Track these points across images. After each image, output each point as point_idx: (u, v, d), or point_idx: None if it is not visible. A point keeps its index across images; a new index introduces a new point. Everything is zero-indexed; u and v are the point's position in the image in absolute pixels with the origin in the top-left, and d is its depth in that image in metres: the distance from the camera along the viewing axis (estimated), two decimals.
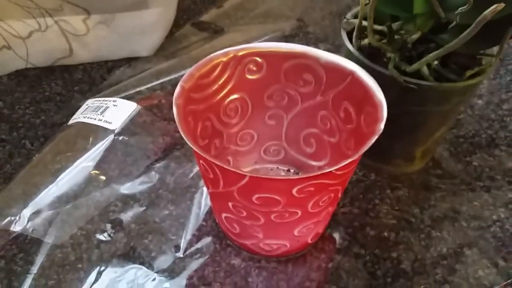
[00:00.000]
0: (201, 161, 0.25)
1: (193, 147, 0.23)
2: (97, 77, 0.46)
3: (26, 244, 0.31)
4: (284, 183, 0.23)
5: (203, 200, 0.34)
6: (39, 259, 0.30)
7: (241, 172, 0.23)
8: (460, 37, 0.24)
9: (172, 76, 0.44)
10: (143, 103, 0.40)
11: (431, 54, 0.26)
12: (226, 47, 0.30)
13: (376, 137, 0.23)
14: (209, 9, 0.56)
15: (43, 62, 0.46)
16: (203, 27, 0.53)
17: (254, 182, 0.23)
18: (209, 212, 0.33)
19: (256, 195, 0.24)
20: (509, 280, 0.29)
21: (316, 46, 0.48)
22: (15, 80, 0.45)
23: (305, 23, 0.53)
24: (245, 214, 0.26)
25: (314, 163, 0.34)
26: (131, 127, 0.38)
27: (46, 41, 0.45)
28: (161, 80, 0.44)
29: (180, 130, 0.24)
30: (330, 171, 0.23)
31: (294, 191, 0.23)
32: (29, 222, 0.31)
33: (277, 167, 0.35)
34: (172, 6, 0.51)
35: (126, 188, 0.34)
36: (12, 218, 0.31)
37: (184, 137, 0.24)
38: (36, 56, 0.46)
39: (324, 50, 0.29)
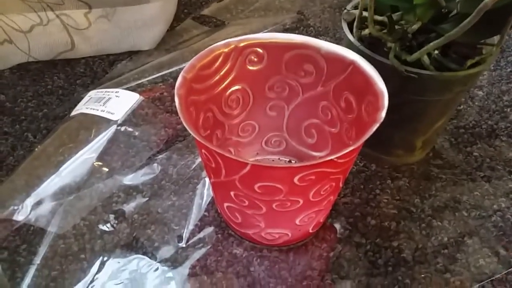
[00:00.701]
0: (203, 151, 0.26)
1: (195, 136, 0.23)
2: (99, 71, 0.46)
3: (29, 235, 0.31)
4: (286, 171, 0.23)
5: (205, 191, 0.34)
6: (42, 250, 0.30)
7: (242, 161, 0.23)
8: (460, 26, 0.24)
9: (173, 69, 0.44)
10: (144, 95, 0.41)
11: (431, 43, 0.26)
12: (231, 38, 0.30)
13: (377, 125, 0.24)
14: (210, 3, 0.56)
15: (45, 55, 0.46)
16: (204, 20, 0.53)
17: (255, 171, 0.23)
18: (211, 203, 0.33)
19: (258, 184, 0.24)
20: (510, 269, 0.29)
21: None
22: (17, 74, 0.45)
23: (305, 16, 0.53)
24: (247, 203, 0.26)
25: (315, 153, 0.34)
26: (133, 119, 0.38)
27: (47, 35, 0.45)
28: (163, 73, 0.44)
29: (182, 119, 0.24)
30: (331, 159, 0.23)
31: (295, 179, 0.23)
32: (32, 212, 0.31)
33: (279, 158, 0.36)
34: (173, 0, 0.51)
35: (129, 179, 0.34)
36: (15, 207, 0.31)
37: (186, 126, 0.24)
38: (37, 50, 0.46)
39: None
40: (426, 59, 0.28)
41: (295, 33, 0.50)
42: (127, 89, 0.41)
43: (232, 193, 0.26)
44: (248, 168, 0.23)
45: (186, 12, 0.54)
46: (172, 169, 0.35)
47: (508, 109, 0.41)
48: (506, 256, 0.30)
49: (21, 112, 0.41)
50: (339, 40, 0.49)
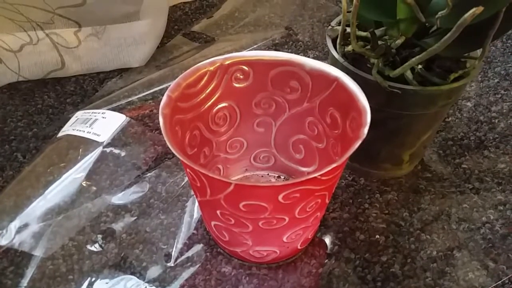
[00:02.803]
0: (188, 170, 0.26)
1: (179, 156, 0.23)
2: (89, 89, 0.46)
3: (16, 257, 0.31)
4: (269, 190, 0.23)
5: (195, 209, 0.34)
6: (30, 272, 0.30)
7: (226, 180, 0.23)
8: (441, 41, 0.25)
9: (164, 86, 0.44)
10: (134, 113, 0.41)
11: (414, 58, 0.27)
12: (217, 56, 0.30)
13: (359, 142, 0.24)
14: (200, 20, 0.56)
15: (35, 75, 0.47)
16: (194, 37, 0.53)
17: (239, 190, 0.23)
18: (201, 221, 0.33)
19: (243, 203, 0.24)
20: (499, 282, 0.29)
21: (305, 54, 0.49)
22: (7, 94, 0.45)
23: (294, 31, 0.53)
24: (233, 221, 0.26)
25: (303, 169, 0.34)
26: (123, 137, 0.38)
27: (37, 54, 0.45)
28: (153, 90, 0.44)
29: (166, 139, 0.24)
30: (315, 176, 0.23)
31: (280, 197, 0.23)
32: (17, 236, 0.31)
33: (268, 174, 0.36)
34: (163, 17, 0.51)
35: (118, 198, 0.34)
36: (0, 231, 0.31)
37: (170, 146, 0.24)
38: (27, 69, 0.46)
39: (313, 57, 0.30)
40: (409, 74, 0.29)
41: (284, 48, 0.50)
42: (117, 107, 0.41)
43: (218, 212, 0.26)
44: (232, 187, 0.23)
45: (176, 28, 0.55)
46: (161, 187, 0.35)
47: (496, 120, 0.41)
48: (495, 269, 0.30)
49: (10, 132, 0.41)
50: (328, 54, 0.49)
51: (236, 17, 0.56)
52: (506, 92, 0.44)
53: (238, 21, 0.55)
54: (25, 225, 0.32)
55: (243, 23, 0.55)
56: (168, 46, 0.52)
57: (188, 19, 0.57)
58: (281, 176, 0.35)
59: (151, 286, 0.29)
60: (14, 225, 0.31)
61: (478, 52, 0.31)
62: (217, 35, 0.53)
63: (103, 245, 0.31)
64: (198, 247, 0.31)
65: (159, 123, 0.40)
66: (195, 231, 0.32)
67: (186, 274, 0.30)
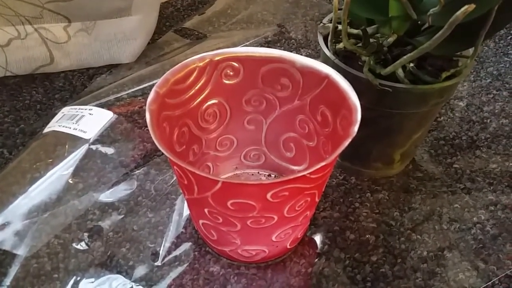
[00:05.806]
0: (175, 167, 0.25)
1: (165, 153, 0.23)
2: (78, 85, 0.46)
3: None
4: (257, 188, 0.23)
5: (184, 207, 0.33)
6: (13, 270, 0.29)
7: (213, 178, 0.22)
8: (433, 39, 0.24)
9: (154, 82, 0.44)
10: (123, 109, 0.40)
11: (405, 57, 0.26)
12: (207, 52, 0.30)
13: (349, 140, 0.23)
14: (191, 16, 0.56)
15: (23, 70, 0.46)
16: (185, 33, 0.53)
17: (227, 188, 0.23)
18: (190, 219, 0.33)
19: (231, 201, 0.24)
20: (489, 283, 0.29)
21: (298, 52, 0.49)
22: None
23: (287, 28, 0.53)
24: (221, 220, 0.26)
25: (294, 167, 0.34)
26: (111, 134, 0.37)
27: (25, 49, 0.44)
28: (142, 86, 0.44)
29: (152, 136, 0.24)
30: (304, 175, 0.22)
31: (268, 196, 0.23)
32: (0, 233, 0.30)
33: (258, 172, 0.35)
34: (154, 12, 0.51)
35: (105, 195, 0.34)
36: None
37: (156, 143, 0.23)
38: (15, 64, 0.45)
39: (306, 55, 0.30)
40: (400, 72, 0.28)
41: (276, 46, 0.50)
42: (106, 103, 0.41)
43: (206, 210, 0.26)
44: (219, 185, 0.23)
45: (168, 25, 0.54)
46: (150, 185, 0.35)
47: (488, 120, 0.41)
48: (485, 270, 0.30)
49: None
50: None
51: (228, 14, 0.56)
52: (498, 92, 0.44)
53: (230, 18, 0.55)
54: (9, 222, 0.31)
55: (236, 20, 0.54)
56: (159, 42, 0.51)
57: (179, 15, 0.56)
58: (272, 175, 0.35)
59: (138, 285, 0.29)
60: None
61: (470, 51, 0.30)
62: (209, 32, 0.53)
63: (89, 244, 0.31)
64: (186, 246, 0.31)
65: None
66: (183, 230, 0.32)
67: (173, 273, 0.29)
